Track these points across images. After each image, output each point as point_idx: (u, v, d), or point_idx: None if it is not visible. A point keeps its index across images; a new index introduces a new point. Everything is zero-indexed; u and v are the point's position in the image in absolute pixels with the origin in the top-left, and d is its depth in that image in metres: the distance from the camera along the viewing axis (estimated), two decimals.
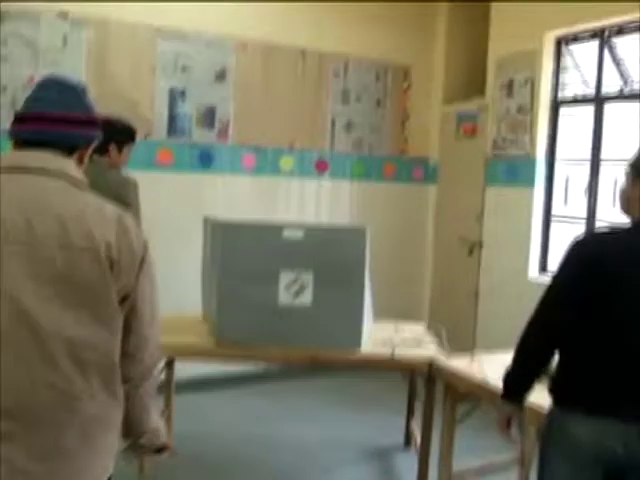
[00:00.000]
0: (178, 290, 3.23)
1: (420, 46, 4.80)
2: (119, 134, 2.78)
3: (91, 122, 1.26)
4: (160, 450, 1.40)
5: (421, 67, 4.80)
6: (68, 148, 1.23)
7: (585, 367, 1.48)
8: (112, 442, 1.23)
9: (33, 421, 1.09)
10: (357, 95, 4.55)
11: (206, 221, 2.86)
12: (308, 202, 4.54)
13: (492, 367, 2.10)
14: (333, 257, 2.46)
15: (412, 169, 4.84)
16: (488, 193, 4.36)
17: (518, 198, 4.14)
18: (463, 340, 3.68)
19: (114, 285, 1.16)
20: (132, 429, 1.32)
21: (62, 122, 1.20)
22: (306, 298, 2.45)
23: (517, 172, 4.15)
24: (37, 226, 1.12)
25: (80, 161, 1.26)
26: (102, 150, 2.59)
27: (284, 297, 2.44)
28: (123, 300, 1.20)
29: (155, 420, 1.37)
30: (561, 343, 1.51)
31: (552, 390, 1.55)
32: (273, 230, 2.44)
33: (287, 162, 4.35)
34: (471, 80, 4.75)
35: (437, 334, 2.89)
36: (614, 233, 1.49)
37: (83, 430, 1.14)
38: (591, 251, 1.45)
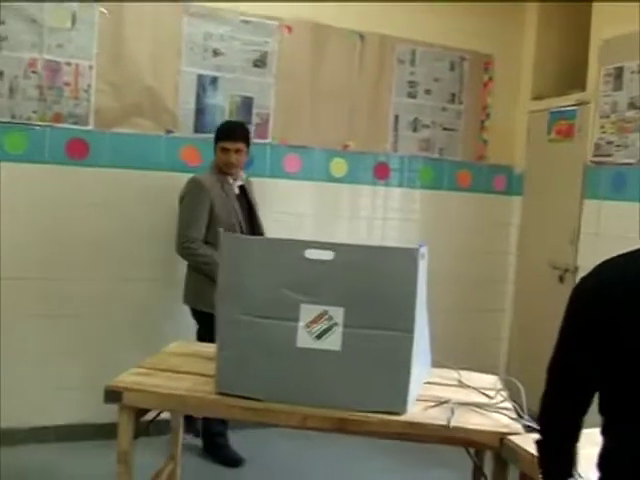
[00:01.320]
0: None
1: (505, 31, 4.25)
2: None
3: None
4: None
5: (506, 56, 4.27)
6: None
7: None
8: None
9: None
10: (426, 87, 4.08)
11: (220, 233, 2.37)
12: (362, 214, 4.06)
13: (588, 450, 1.49)
14: (372, 287, 1.95)
15: (492, 178, 4.36)
16: (587, 208, 3.80)
17: (626, 215, 3.51)
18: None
19: None
20: None
21: None
22: (334, 341, 1.95)
23: (625, 183, 3.56)
24: None
25: None
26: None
27: (304, 339, 1.95)
28: None
29: None
30: (587, 394, 1.42)
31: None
32: (292, 248, 1.95)
33: (339, 166, 3.93)
34: (567, 71, 4.16)
35: (513, 392, 2.28)
36: (619, 259, 1.41)
37: None
38: (589, 282, 1.43)
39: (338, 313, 1.96)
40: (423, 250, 2.00)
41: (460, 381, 2.44)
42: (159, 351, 2.50)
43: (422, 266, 1.98)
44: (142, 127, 3.42)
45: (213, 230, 3.03)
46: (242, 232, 3.10)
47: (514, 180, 4.37)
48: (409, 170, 4.11)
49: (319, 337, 1.96)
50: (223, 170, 3.17)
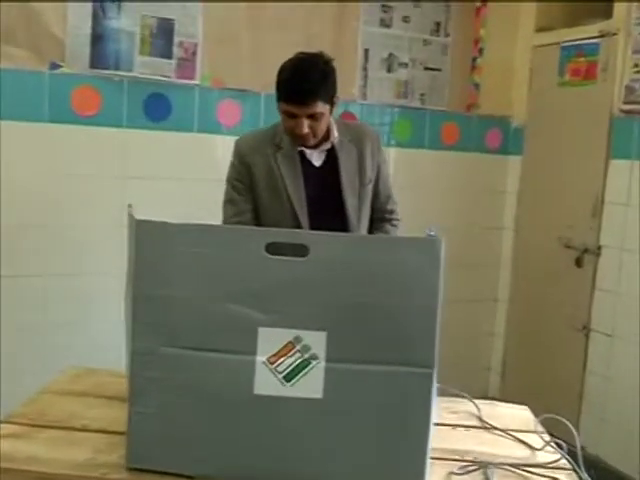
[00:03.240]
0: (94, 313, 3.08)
1: None
2: None
3: None
4: None
5: None
6: None
7: None
8: None
9: None
10: (404, 14, 3.83)
11: (130, 217, 1.88)
12: None
13: None
14: (370, 299, 1.50)
15: (484, 133, 4.22)
16: (614, 171, 3.57)
17: None
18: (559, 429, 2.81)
19: None
20: None
21: None
22: (312, 385, 1.51)
23: None
24: None
25: None
26: None
27: (265, 382, 1.50)
28: None
29: None
30: None
31: None
32: (245, 240, 1.50)
33: None
34: None
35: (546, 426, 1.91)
36: None
37: None
38: None
39: (317, 340, 1.50)
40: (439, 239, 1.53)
41: (481, 419, 2.03)
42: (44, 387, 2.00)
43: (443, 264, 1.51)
44: (15, 59, 3.07)
45: (261, 217, 2.45)
46: (299, 226, 2.39)
47: (511, 135, 4.26)
48: (381, 123, 3.93)
49: (288, 379, 1.51)
50: (293, 141, 2.41)
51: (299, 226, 2.37)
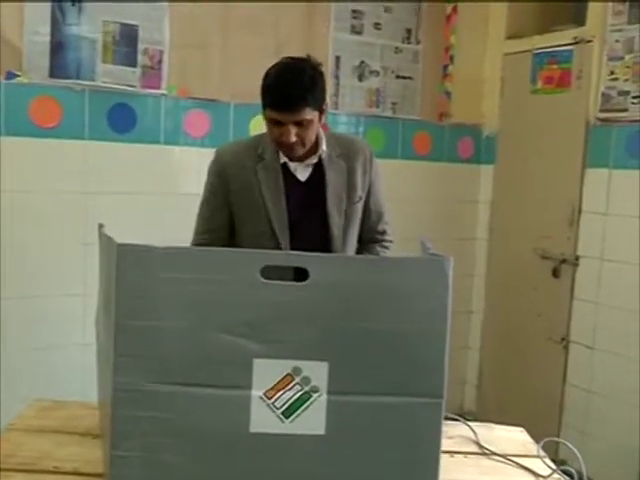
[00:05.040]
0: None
1: None
2: None
3: None
4: None
5: None
6: None
7: None
8: None
9: None
10: (375, 20, 3.77)
11: (102, 236, 1.77)
12: None
13: None
14: (374, 325, 1.40)
15: (456, 141, 4.19)
16: (590, 180, 3.54)
17: None
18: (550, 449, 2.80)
19: None
20: None
21: None
22: (313, 421, 1.40)
23: None
24: None
25: None
26: None
27: (262, 418, 1.39)
28: None
29: None
30: None
31: None
32: (239, 264, 1.39)
33: (262, 124, 3.48)
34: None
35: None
36: None
37: None
38: None
39: (318, 371, 1.40)
40: (448, 258, 1.43)
41: (479, 444, 1.94)
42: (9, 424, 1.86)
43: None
44: None
45: (237, 235, 2.32)
46: (278, 246, 2.23)
47: (483, 144, 4.23)
48: (353, 133, 3.84)
49: (288, 414, 1.41)
50: (280, 151, 2.28)
51: (278, 245, 2.21)
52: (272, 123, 2.12)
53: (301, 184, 2.23)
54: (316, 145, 2.21)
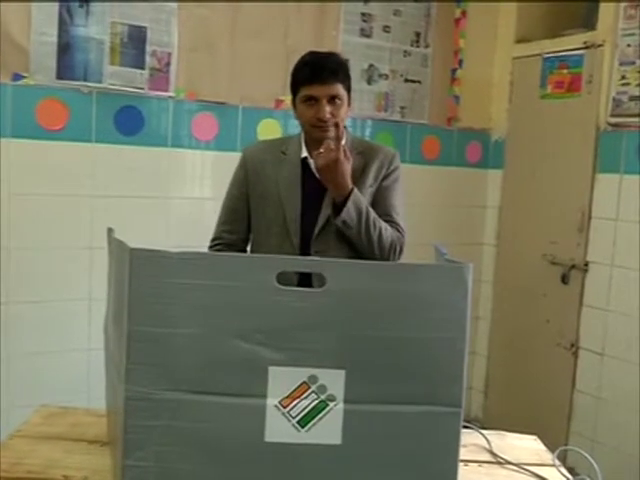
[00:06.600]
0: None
1: None
2: None
3: None
4: None
5: None
6: None
7: None
8: None
9: None
10: (384, 23, 3.76)
11: (113, 240, 1.74)
12: None
13: None
14: (392, 333, 1.37)
15: (465, 146, 4.19)
16: (601, 186, 3.52)
17: None
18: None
19: None
20: None
21: None
22: (330, 430, 1.37)
23: None
24: None
25: None
26: None
27: (278, 427, 1.37)
28: None
29: None
30: None
31: None
32: (254, 270, 1.36)
33: (270, 129, 3.56)
34: (568, 4, 3.85)
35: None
36: None
37: None
38: None
39: (335, 380, 1.37)
40: (468, 265, 1.41)
41: (493, 452, 1.92)
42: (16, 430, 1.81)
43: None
44: None
45: (256, 231, 2.41)
46: (291, 248, 2.30)
47: (491, 149, 4.24)
48: (360, 135, 3.79)
49: (303, 423, 1.38)
50: (314, 135, 2.30)
51: (287, 234, 2.29)
52: (305, 105, 2.22)
53: (317, 180, 2.27)
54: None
